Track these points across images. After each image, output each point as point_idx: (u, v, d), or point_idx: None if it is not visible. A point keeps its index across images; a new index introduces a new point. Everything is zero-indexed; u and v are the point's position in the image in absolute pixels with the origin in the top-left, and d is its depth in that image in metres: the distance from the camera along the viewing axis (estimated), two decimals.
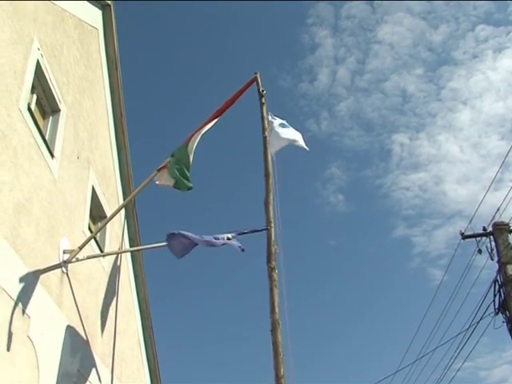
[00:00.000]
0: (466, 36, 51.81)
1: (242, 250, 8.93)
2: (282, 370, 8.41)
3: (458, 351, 18.57)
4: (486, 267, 17.88)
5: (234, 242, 8.92)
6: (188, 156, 9.01)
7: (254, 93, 10.40)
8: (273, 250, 9.11)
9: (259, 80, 10.43)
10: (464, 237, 17.78)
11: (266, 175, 9.75)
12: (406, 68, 51.96)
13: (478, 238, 17.58)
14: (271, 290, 8.92)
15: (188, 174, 8.98)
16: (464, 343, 18.16)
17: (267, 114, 10.40)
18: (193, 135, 9.09)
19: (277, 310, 8.74)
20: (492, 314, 16.53)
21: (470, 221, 17.95)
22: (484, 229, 17.51)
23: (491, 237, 17.30)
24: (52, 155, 8.32)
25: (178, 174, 8.93)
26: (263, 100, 10.36)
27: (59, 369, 8.03)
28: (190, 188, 8.99)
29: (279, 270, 9.04)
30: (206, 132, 9.25)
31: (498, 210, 17.07)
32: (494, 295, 16.40)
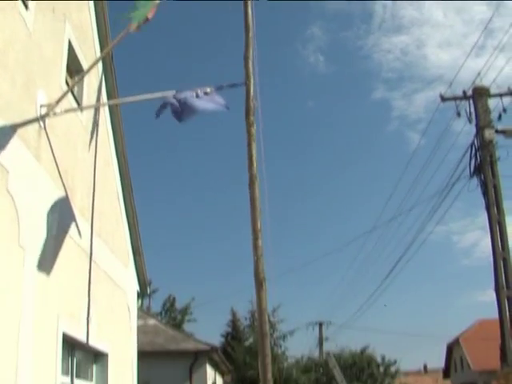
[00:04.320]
0: None
1: (227, 107, 8.81)
2: (258, 224, 8.68)
3: (432, 213, 19.19)
4: (464, 132, 18.09)
5: (217, 99, 8.70)
6: None
7: None
8: (251, 105, 9.06)
9: None
10: (443, 99, 17.84)
11: (246, 29, 9.49)
12: None
13: (458, 102, 17.67)
14: (249, 144, 8.96)
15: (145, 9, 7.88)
16: (439, 204, 18.74)
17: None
18: None
19: (255, 164, 8.84)
20: (467, 178, 16.98)
21: (450, 84, 17.94)
22: (464, 92, 17.55)
23: (470, 100, 17.38)
24: (26, 7, 7.97)
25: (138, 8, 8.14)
26: None
27: (39, 222, 8.15)
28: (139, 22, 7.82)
29: (257, 125, 9.07)
30: None
31: (478, 74, 17.04)
32: (470, 158, 16.75)
